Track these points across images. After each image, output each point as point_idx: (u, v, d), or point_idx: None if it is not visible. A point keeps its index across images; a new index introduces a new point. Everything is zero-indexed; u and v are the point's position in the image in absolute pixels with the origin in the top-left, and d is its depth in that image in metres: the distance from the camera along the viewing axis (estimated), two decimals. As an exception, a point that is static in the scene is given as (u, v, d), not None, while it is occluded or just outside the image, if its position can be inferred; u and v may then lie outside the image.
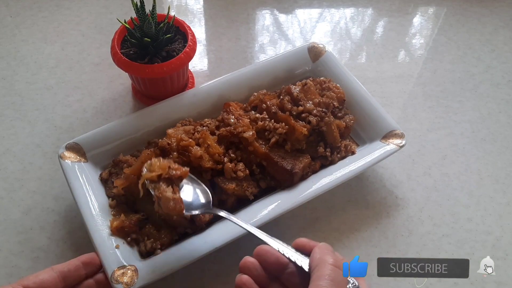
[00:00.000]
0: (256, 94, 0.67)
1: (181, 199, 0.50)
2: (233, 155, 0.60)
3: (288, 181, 0.59)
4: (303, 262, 0.44)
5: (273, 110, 0.62)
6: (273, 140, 0.60)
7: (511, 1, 0.94)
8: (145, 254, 0.54)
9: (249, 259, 0.46)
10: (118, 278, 0.49)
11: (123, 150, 0.62)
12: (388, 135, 0.64)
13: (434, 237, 0.62)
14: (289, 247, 0.46)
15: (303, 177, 0.60)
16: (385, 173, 0.68)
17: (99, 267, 0.51)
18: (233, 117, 0.61)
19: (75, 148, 0.60)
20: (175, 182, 0.51)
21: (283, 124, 0.60)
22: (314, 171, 0.61)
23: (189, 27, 0.68)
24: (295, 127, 0.60)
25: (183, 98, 0.67)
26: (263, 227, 0.53)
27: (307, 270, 0.43)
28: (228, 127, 0.60)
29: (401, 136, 0.63)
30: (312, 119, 0.61)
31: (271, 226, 0.54)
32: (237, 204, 0.59)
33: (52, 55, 0.81)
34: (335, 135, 0.62)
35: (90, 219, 0.54)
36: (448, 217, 0.64)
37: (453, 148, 0.71)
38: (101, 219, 0.54)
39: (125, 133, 0.63)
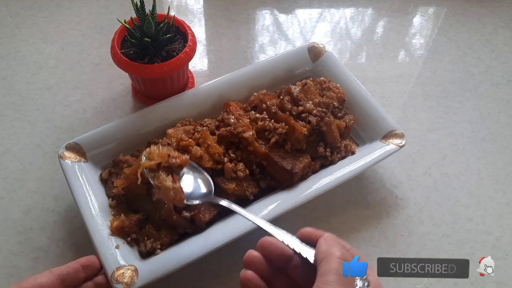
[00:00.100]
0: (256, 94, 0.67)
1: (181, 188, 0.49)
2: (233, 155, 0.60)
3: (288, 181, 0.59)
4: (308, 253, 0.43)
5: (273, 110, 0.62)
6: (273, 140, 0.60)
7: (511, 1, 0.94)
8: (145, 254, 0.54)
9: (253, 253, 0.45)
10: (118, 278, 0.49)
11: (123, 150, 0.62)
12: (388, 135, 0.64)
13: (434, 237, 0.62)
14: (294, 237, 0.45)
15: (303, 177, 0.60)
16: (385, 173, 0.68)
17: (98, 270, 0.51)
18: (233, 117, 0.61)
19: (75, 148, 0.60)
20: (175, 171, 0.50)
21: (283, 124, 0.60)
22: (314, 171, 0.61)
23: (189, 27, 0.68)
24: (295, 127, 0.60)
25: (183, 98, 0.67)
26: (263, 227, 0.53)
27: (312, 262, 0.42)
28: (228, 127, 0.60)
29: (401, 136, 0.63)
30: (312, 119, 0.61)
31: (271, 226, 0.54)
32: (237, 204, 0.58)
33: (52, 55, 0.81)
34: (335, 135, 0.62)
35: (90, 219, 0.54)
36: (448, 217, 0.64)
37: (453, 148, 0.71)
38: (101, 219, 0.54)
39: (125, 133, 0.63)
